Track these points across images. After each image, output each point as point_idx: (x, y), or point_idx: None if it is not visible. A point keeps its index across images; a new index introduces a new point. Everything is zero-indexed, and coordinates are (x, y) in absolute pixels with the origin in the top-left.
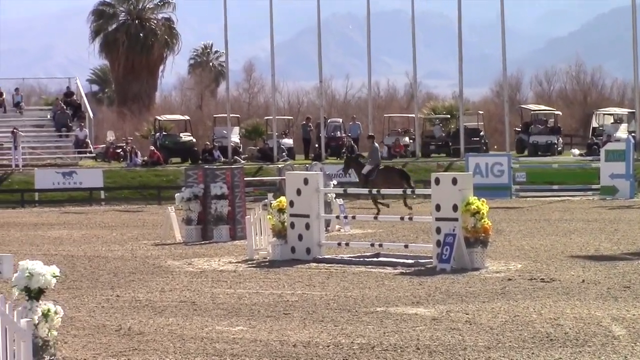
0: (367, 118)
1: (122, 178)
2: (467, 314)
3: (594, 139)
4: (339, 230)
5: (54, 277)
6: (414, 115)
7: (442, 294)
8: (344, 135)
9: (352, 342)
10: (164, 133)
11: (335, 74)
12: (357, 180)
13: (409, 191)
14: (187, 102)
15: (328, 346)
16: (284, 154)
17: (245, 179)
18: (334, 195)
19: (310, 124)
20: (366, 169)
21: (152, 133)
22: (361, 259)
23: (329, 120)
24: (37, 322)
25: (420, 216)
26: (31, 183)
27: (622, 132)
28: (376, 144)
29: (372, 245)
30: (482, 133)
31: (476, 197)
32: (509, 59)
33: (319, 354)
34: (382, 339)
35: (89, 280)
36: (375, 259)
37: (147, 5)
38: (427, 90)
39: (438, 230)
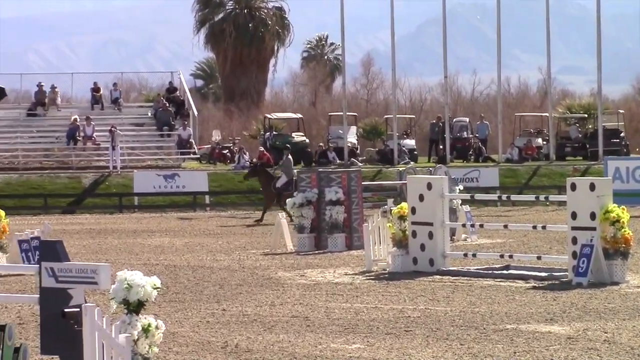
0: (496, 117)
1: (229, 181)
2: (605, 333)
3: None
4: (465, 240)
5: (155, 289)
6: (547, 114)
7: (578, 310)
8: (470, 136)
9: None
10: (274, 133)
11: (461, 69)
12: (264, 191)
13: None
14: (300, 98)
15: None
16: (405, 156)
17: (362, 183)
18: (459, 202)
19: (440, 123)
20: (280, 181)
21: (262, 132)
22: (489, 272)
23: (454, 120)
24: (136, 337)
25: (554, 225)
26: (130, 186)
27: None
28: (290, 157)
29: (502, 256)
30: (622, 134)
31: (616, 205)
32: None
33: None
34: (512, 359)
35: (192, 292)
36: (504, 272)
37: None
38: (562, 87)
39: (574, 241)
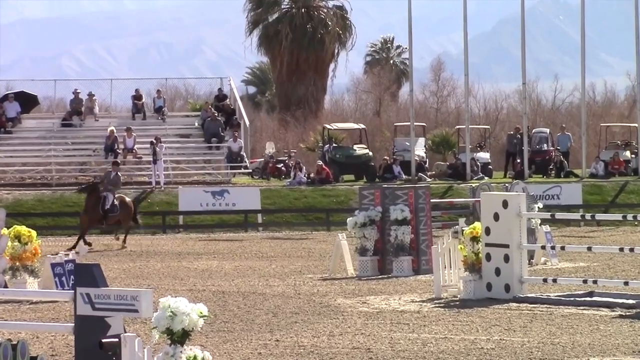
0: (579, 128)
1: (284, 199)
2: None
3: None
4: (545, 264)
5: (202, 317)
6: (636, 125)
7: None
8: (551, 148)
9: None
10: (334, 145)
11: (541, 74)
12: (88, 212)
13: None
14: (363, 107)
15: None
16: (478, 170)
17: (432, 200)
18: (539, 221)
19: (519, 134)
20: (108, 201)
21: (320, 145)
22: (572, 299)
23: (533, 131)
24: None
25: None
26: (175, 204)
27: None
28: (118, 174)
29: (585, 281)
30: None
31: None
32: None
33: None
34: None
35: (243, 321)
36: (588, 299)
37: None
38: None
39: None
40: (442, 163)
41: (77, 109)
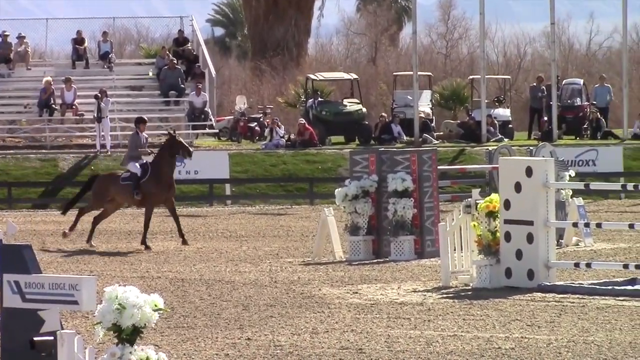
0: (620, 78)
1: (258, 165)
2: None
3: None
4: (577, 245)
5: (156, 310)
6: None
7: None
8: (586, 103)
9: None
10: (319, 99)
11: (574, 12)
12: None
13: None
14: (355, 53)
15: None
16: (497, 131)
17: (439, 167)
18: (570, 193)
19: (544, 86)
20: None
21: (303, 99)
22: (609, 287)
23: (564, 82)
24: None
25: None
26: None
27: None
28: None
29: (626, 266)
30: None
31: None
32: None
33: None
34: None
35: (206, 315)
36: (629, 287)
37: None
38: None
39: None
40: (451, 121)
41: (4, 55)
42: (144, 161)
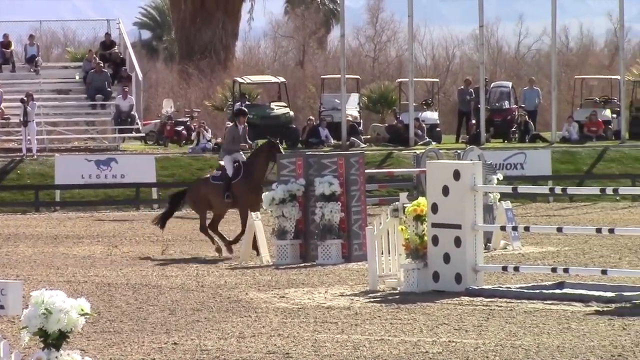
0: (549, 81)
1: (185, 169)
2: None
3: None
4: (505, 248)
5: (83, 315)
6: (618, 77)
7: None
8: (514, 106)
9: None
10: (247, 103)
11: (503, 15)
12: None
13: None
14: (283, 56)
15: None
16: (424, 134)
17: (366, 171)
18: (498, 196)
19: (472, 89)
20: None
21: (230, 103)
22: (537, 291)
23: (492, 85)
24: None
25: (626, 228)
26: (50, 176)
27: None
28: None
29: (554, 270)
30: None
31: None
32: None
33: None
34: None
35: (133, 320)
36: (557, 291)
37: None
38: (639, 39)
39: None
40: (379, 125)
41: None
42: (238, 162)
